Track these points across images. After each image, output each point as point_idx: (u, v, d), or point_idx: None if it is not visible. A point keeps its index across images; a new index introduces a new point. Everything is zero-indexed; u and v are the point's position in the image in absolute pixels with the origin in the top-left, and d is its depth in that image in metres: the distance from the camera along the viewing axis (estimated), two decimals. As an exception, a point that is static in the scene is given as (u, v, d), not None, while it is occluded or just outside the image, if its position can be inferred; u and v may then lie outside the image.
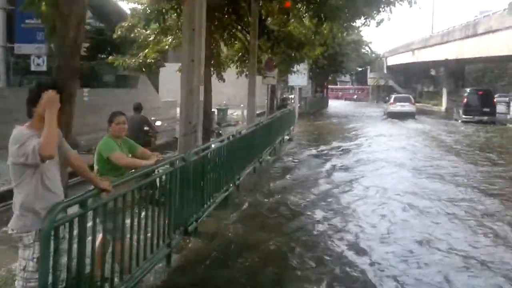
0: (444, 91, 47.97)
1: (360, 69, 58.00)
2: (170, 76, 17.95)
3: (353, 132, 23.41)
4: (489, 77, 57.51)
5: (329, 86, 76.07)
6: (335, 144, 18.25)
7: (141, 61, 13.81)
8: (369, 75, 70.74)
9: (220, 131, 16.16)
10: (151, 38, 12.92)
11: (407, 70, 65.04)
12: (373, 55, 42.28)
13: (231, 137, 8.92)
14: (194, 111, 7.24)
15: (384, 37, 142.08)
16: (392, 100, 33.29)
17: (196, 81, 7.19)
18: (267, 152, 13.41)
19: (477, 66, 53.91)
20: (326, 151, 16.00)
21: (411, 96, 36.51)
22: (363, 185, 10.54)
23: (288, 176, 11.36)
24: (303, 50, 14.74)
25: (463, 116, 29.62)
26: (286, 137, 18.43)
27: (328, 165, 12.94)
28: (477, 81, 54.01)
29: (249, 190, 9.56)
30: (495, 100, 30.00)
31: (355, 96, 70.76)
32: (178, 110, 25.76)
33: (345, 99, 68.84)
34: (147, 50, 13.48)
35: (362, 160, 14.09)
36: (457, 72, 47.14)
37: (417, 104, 57.72)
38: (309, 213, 8.21)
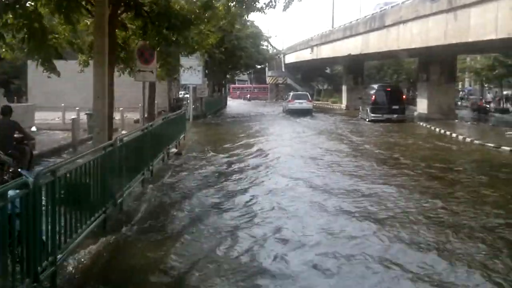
0: (344, 88, 46.59)
1: (259, 66, 55.29)
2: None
3: (255, 135, 19.89)
4: (384, 73, 57.44)
5: (232, 86, 72.70)
6: (237, 153, 14.48)
7: None
8: (268, 73, 68.47)
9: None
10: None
11: (305, 67, 63.71)
12: (274, 50, 39.24)
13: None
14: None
15: (282, 34, 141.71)
16: (290, 98, 34.27)
17: None
18: (136, 183, 9.01)
19: (373, 63, 53.36)
20: (226, 168, 12.12)
21: (308, 94, 37.58)
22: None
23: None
24: (188, 31, 10.63)
25: (371, 115, 27.39)
26: (173, 150, 14.24)
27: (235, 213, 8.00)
28: (369, 78, 53.63)
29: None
30: (404, 96, 28.04)
31: (248, 96, 68.56)
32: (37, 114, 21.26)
33: (244, 99, 66.26)
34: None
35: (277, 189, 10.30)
36: (356, 69, 45.90)
37: (317, 102, 56.98)
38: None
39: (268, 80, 68.71)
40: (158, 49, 11.84)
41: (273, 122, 28.58)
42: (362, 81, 47.41)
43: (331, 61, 47.92)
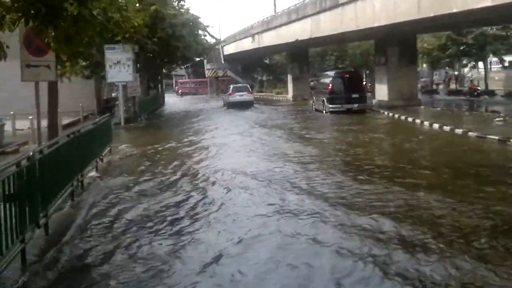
0: (289, 78, 43.64)
1: (197, 59, 51.23)
2: None
3: (198, 141, 16.20)
4: (328, 60, 55.14)
5: (179, 81, 67.97)
6: (178, 172, 10.75)
7: None
8: (206, 66, 64.51)
9: None
10: None
11: (246, 58, 60.40)
12: (214, 40, 35.36)
13: None
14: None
15: (220, 23, 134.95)
16: (231, 91, 33.90)
17: None
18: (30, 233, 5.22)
19: (315, 50, 50.77)
20: (164, 209, 8.28)
21: (248, 86, 37.07)
22: None
23: None
24: (95, 1, 6.85)
25: (330, 106, 24.31)
26: (93, 174, 10.32)
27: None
28: (312, 66, 51.15)
29: None
30: (364, 83, 25.15)
31: (180, 91, 64.68)
32: None
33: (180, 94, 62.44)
34: None
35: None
36: (301, 57, 43.05)
37: (260, 93, 53.85)
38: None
39: (207, 73, 64.75)
40: (52, 32, 7.85)
41: (217, 120, 24.98)
42: (308, 69, 44.72)
43: (275, 49, 44.74)
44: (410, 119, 19.87)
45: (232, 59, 62.06)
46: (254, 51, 48.61)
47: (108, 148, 13.48)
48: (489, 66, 45.11)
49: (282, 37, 35.91)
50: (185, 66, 63.97)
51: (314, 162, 11.60)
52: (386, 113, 23.10)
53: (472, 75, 45.92)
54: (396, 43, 25.35)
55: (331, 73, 26.10)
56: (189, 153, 13.91)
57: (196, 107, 38.39)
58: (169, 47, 27.46)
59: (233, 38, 51.99)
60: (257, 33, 43.42)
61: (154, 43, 25.26)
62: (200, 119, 26.26)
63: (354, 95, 24.15)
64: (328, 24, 25.86)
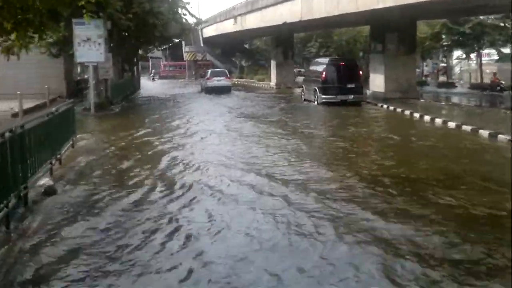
0: (273, 64, 41.42)
1: (176, 40, 48.38)
2: None
3: (175, 136, 13.81)
4: (313, 46, 53.04)
5: (163, 63, 64.28)
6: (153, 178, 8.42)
7: None
8: (185, 48, 61.55)
9: None
10: None
11: (226, 42, 57.80)
12: (194, 20, 32.60)
13: None
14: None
15: (199, 4, 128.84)
16: (209, 75, 33.26)
17: None
18: None
19: (298, 35, 48.54)
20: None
21: (226, 71, 36.38)
22: None
23: None
24: None
25: (323, 97, 22.15)
26: (44, 182, 7.87)
27: None
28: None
29: None
30: (361, 73, 23.00)
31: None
32: None
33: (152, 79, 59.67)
34: None
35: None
36: (286, 42, 40.80)
37: (240, 79, 51.48)
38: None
39: (185, 56, 61.77)
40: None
41: (196, 108, 22.67)
42: (293, 56, 42.63)
43: (259, 32, 42.35)
44: (417, 116, 17.76)
45: (211, 42, 59.28)
46: (236, 34, 46.07)
47: (70, 143, 11.04)
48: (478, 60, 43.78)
49: (267, 20, 33.48)
50: (162, 48, 60.97)
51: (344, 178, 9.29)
52: (385, 106, 21.05)
53: (461, 67, 44.49)
54: (395, 29, 23.26)
55: (325, 60, 23.87)
56: (167, 151, 11.55)
57: (174, 92, 36.11)
58: (145, 25, 24.73)
59: (213, 20, 49.23)
60: (240, 14, 40.86)
61: (129, 19, 22.54)
62: (179, 106, 23.85)
63: (349, 86, 22.04)
64: (322, 5, 23.55)
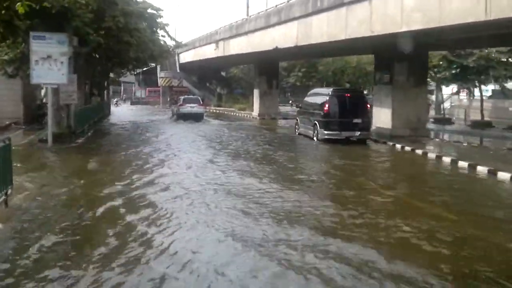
0: (256, 92, 38.40)
1: (153, 64, 45.00)
2: None
3: (148, 184, 10.17)
4: (292, 77, 50.66)
5: (148, 89, 59.90)
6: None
7: None
8: (160, 74, 58.23)
9: None
10: None
11: (203, 68, 54.87)
12: (173, 42, 29.14)
13: None
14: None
15: (178, 29, 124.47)
16: (181, 102, 33.02)
17: None
18: None
19: (281, 64, 45.96)
20: None
21: (199, 98, 36.43)
22: None
23: None
24: None
25: (325, 132, 19.02)
26: None
27: None
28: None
29: None
30: (368, 106, 19.98)
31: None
32: None
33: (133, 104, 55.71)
34: None
35: None
36: (270, 70, 37.94)
37: (219, 108, 48.36)
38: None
39: (160, 81, 58.33)
40: None
41: (173, 142, 19.20)
42: (277, 85, 39.75)
43: (242, 59, 39.42)
44: (447, 160, 14.67)
45: (188, 68, 56.15)
46: (217, 60, 43.04)
47: (1, 199, 7.43)
48: (471, 95, 41.81)
49: (254, 45, 30.54)
50: (136, 72, 57.38)
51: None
52: (398, 146, 18.03)
53: (451, 102, 42.45)
54: (405, 58, 20.47)
55: (327, 90, 20.76)
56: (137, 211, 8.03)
57: (147, 119, 33.22)
58: (119, 43, 21.27)
59: (192, 45, 45.99)
60: (223, 39, 37.91)
61: (100, 36, 19.12)
62: (151, 140, 20.28)
63: (356, 120, 18.99)
64: (324, 29, 20.59)
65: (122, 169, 12.54)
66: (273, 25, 27.07)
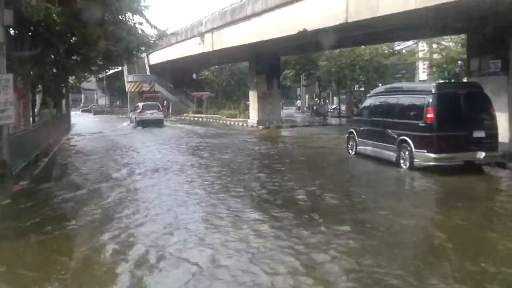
0: (253, 95, 31.15)
1: (119, 68, 37.17)
2: None
3: None
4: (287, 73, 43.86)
5: (145, 95, 50.40)
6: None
7: None
8: (127, 78, 50.01)
9: None
10: None
11: (178, 71, 47.27)
12: (156, 32, 21.15)
13: None
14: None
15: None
16: (141, 109, 32.91)
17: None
18: None
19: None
20: None
21: (158, 104, 35.89)
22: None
23: None
24: None
25: (432, 156, 11.52)
26: None
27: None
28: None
29: None
30: (494, 110, 12.52)
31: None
32: None
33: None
34: None
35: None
36: (271, 67, 30.71)
37: (200, 115, 41.05)
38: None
39: (128, 87, 50.05)
40: None
41: (154, 182, 11.37)
42: (279, 85, 32.52)
43: (236, 53, 31.98)
44: None
45: (160, 70, 48.13)
46: (200, 58, 35.39)
47: None
48: None
49: (266, 32, 23.19)
50: (98, 77, 48.90)
51: None
52: None
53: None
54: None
55: (427, 85, 13.40)
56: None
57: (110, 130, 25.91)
58: (83, 28, 13.36)
59: (167, 43, 37.83)
60: (211, 30, 30.37)
61: (52, 13, 11.22)
62: (113, 167, 12.50)
63: (477, 134, 11.68)
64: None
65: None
66: (293, 2, 19.70)
